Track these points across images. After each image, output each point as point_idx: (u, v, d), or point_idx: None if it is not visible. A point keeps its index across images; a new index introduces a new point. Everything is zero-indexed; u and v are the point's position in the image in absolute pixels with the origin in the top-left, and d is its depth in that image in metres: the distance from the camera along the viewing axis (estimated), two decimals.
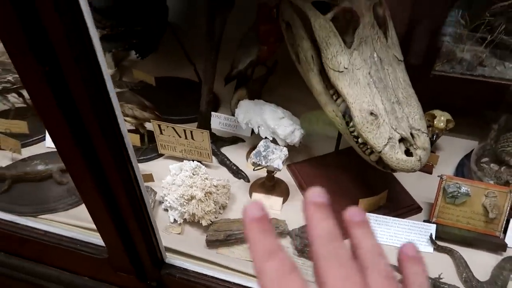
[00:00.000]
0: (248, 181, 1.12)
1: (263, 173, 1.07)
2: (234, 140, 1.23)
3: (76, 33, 0.47)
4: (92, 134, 0.58)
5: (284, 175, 1.12)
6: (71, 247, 0.93)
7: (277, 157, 0.97)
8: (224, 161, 1.15)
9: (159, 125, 1.09)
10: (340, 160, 1.12)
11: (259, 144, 0.99)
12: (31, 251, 0.99)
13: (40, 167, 1.08)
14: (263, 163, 0.97)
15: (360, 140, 0.84)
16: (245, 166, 1.16)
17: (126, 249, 0.80)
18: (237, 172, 1.13)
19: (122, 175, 0.65)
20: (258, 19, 1.10)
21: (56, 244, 0.94)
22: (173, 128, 1.08)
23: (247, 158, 1.19)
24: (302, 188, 1.09)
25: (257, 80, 1.26)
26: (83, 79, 0.51)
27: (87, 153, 0.61)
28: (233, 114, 1.25)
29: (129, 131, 1.15)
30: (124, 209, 0.71)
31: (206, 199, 0.96)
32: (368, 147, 0.83)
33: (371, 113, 0.81)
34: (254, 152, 0.98)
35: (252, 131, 1.18)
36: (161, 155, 1.18)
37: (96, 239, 0.94)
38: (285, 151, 0.98)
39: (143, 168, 1.14)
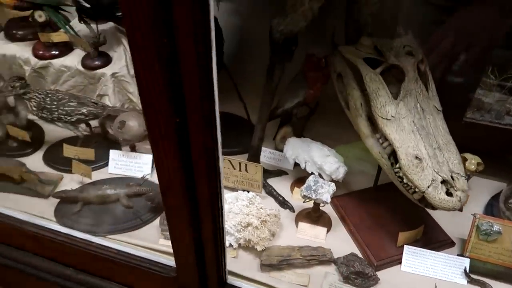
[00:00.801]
0: (294, 211, 1.23)
1: (306, 204, 1.18)
2: (279, 172, 1.34)
3: (206, 94, 0.60)
4: (198, 173, 0.70)
5: (326, 207, 1.23)
6: (141, 265, 1.04)
7: (326, 192, 1.08)
8: (271, 192, 1.27)
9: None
10: (378, 195, 1.23)
11: (309, 179, 1.11)
12: (102, 268, 1.10)
13: (109, 192, 1.20)
14: (313, 197, 1.09)
15: (405, 180, 0.95)
16: (290, 197, 1.27)
17: (198, 270, 0.91)
18: (283, 203, 1.24)
19: (213, 206, 0.76)
20: (307, 66, 1.24)
21: (127, 262, 1.05)
22: (229, 161, 1.20)
23: (291, 190, 1.30)
24: (344, 220, 1.19)
25: (301, 119, 1.38)
26: (203, 133, 0.64)
27: (189, 187, 0.73)
28: (276, 148, 1.37)
29: None
30: (207, 234, 0.82)
31: (262, 226, 1.07)
32: (412, 187, 0.94)
33: (416, 157, 0.93)
34: (304, 186, 1.10)
35: (295, 164, 1.30)
36: None
37: (163, 259, 1.05)
38: (333, 186, 1.09)
39: None
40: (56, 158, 1.37)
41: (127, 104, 1.40)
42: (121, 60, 1.36)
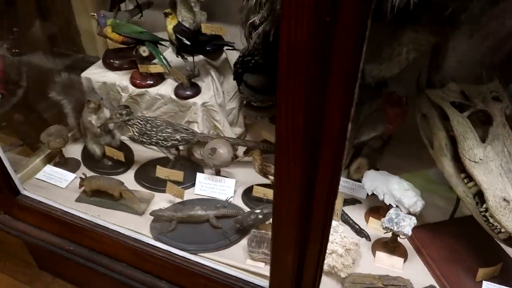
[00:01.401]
0: (370, 240, 1.29)
1: (380, 233, 1.25)
2: (353, 201, 1.42)
3: (342, 147, 0.69)
4: (317, 209, 0.79)
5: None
6: (234, 284, 1.14)
7: (407, 225, 1.15)
8: (348, 220, 1.34)
9: None
10: (455, 228, 1.28)
11: (391, 212, 1.18)
12: (196, 284, 1.20)
13: (200, 212, 1.31)
14: (395, 229, 1.15)
15: (491, 221, 1.00)
16: (365, 226, 1.34)
17: None
18: (359, 231, 1.31)
19: (323, 235, 0.85)
20: (387, 102, 1.32)
21: (221, 280, 1.15)
22: None
23: (365, 219, 1.37)
24: (420, 251, 1.25)
25: (376, 151, 1.46)
26: (331, 179, 0.73)
27: (304, 218, 0.82)
28: (348, 177, 1.45)
29: (267, 186, 1.38)
30: (311, 260, 0.91)
31: (346, 254, 1.15)
32: (499, 227, 0.99)
33: (504, 199, 0.98)
34: (386, 218, 1.17)
35: (367, 194, 1.37)
36: None
37: (254, 279, 1.15)
38: (414, 220, 1.16)
39: None
40: (146, 178, 1.51)
41: (212, 130, 1.52)
42: (209, 90, 1.49)
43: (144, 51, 1.40)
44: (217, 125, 1.49)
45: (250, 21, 1.02)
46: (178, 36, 1.33)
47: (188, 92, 1.45)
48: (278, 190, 0.82)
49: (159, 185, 1.47)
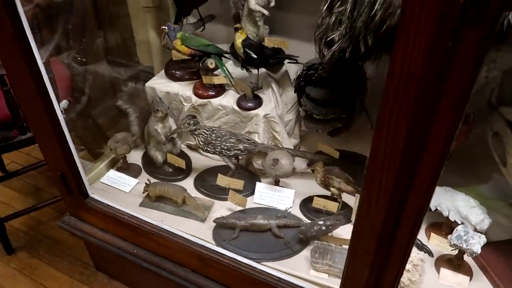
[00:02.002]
0: (432, 256, 1.29)
1: (443, 249, 1.24)
2: None
3: (439, 169, 0.71)
4: (403, 227, 0.81)
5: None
6: None
7: (477, 243, 1.14)
8: None
9: None
10: None
11: (459, 229, 1.17)
12: None
13: (263, 221, 1.34)
14: (464, 246, 1.15)
15: None
16: (426, 241, 1.34)
17: None
18: (421, 247, 1.31)
19: (404, 254, 0.86)
20: None
21: None
22: None
23: (426, 234, 1.36)
24: (485, 270, 1.24)
25: None
26: (424, 198, 0.74)
27: (387, 234, 0.84)
28: None
29: (326, 197, 1.40)
30: (389, 278, 0.92)
31: (413, 270, 1.15)
32: None
33: None
34: (455, 235, 1.16)
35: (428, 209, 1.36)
36: (349, 222, 1.40)
37: None
38: (483, 238, 1.15)
39: (338, 232, 1.35)
40: (206, 185, 1.55)
41: (271, 141, 1.55)
42: (270, 102, 1.52)
43: (211, 63, 1.45)
44: (277, 136, 1.52)
45: (329, 38, 1.05)
46: (246, 50, 1.37)
47: (250, 104, 1.49)
48: (365, 206, 0.83)
49: (218, 193, 1.51)
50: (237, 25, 1.37)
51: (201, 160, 1.67)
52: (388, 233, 0.84)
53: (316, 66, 1.40)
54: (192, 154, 1.71)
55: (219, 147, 1.42)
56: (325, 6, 1.05)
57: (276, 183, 1.49)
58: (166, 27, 1.43)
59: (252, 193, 1.52)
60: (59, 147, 1.30)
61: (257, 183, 1.50)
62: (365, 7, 0.94)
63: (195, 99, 1.57)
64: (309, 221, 1.39)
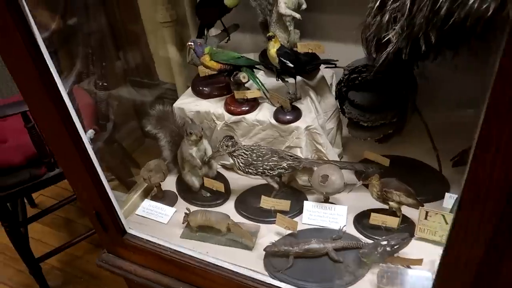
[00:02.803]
0: None
1: None
2: None
3: None
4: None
5: None
6: None
7: None
8: None
9: (426, 212, 1.18)
10: None
11: None
12: None
13: (318, 245, 1.21)
14: None
15: None
16: None
17: None
18: None
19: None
20: None
21: None
22: (442, 215, 1.16)
23: None
24: None
25: None
26: None
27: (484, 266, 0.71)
28: None
29: (383, 211, 1.27)
30: None
31: None
32: None
33: None
34: None
35: None
36: (412, 237, 1.26)
37: None
38: None
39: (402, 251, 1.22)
40: (248, 208, 1.43)
41: (314, 154, 1.42)
42: (310, 112, 1.40)
43: (243, 77, 1.34)
44: (321, 148, 1.40)
45: (384, 39, 0.93)
46: (282, 59, 1.26)
47: (289, 116, 1.37)
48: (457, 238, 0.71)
49: (262, 216, 1.40)
50: (270, 34, 1.25)
51: (239, 180, 1.56)
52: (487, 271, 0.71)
53: (360, 69, 1.27)
54: (228, 174, 1.60)
55: (261, 168, 1.31)
56: (377, 4, 0.93)
57: (326, 200, 1.37)
58: (192, 43, 1.32)
59: (300, 212, 1.40)
60: (91, 183, 1.20)
61: (305, 202, 1.38)
62: (428, 0, 0.82)
63: (228, 116, 1.46)
64: (367, 240, 1.27)
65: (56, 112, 1.06)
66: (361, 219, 1.33)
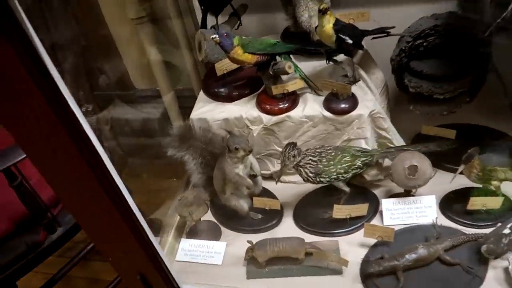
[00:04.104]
0: None
1: None
2: None
3: None
4: None
5: None
6: None
7: None
8: None
9: None
10: None
11: None
12: None
13: (427, 251, 1.00)
14: None
15: None
16: None
17: None
18: None
19: None
20: None
21: None
22: None
23: None
24: None
25: None
26: None
27: None
28: None
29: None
30: None
31: None
32: None
33: None
34: None
35: None
36: None
37: None
38: None
39: None
40: (313, 222, 1.19)
41: (376, 142, 1.20)
42: (366, 94, 1.17)
43: (289, 67, 1.07)
44: (385, 134, 1.18)
45: None
46: (341, 36, 1.00)
47: (344, 105, 1.13)
48: None
49: (333, 227, 1.16)
50: (323, 6, 0.98)
51: (284, 190, 1.31)
52: None
53: (427, 33, 1.05)
54: (269, 185, 1.33)
55: (334, 173, 1.06)
56: None
57: (407, 193, 1.16)
58: (216, 36, 1.02)
59: (375, 213, 1.18)
60: (134, 240, 0.89)
61: (383, 200, 1.16)
62: None
63: (267, 118, 1.19)
64: (470, 230, 1.08)
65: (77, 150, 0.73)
66: (448, 205, 1.15)
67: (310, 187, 1.30)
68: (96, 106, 1.32)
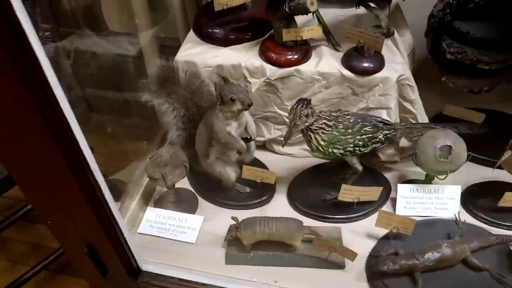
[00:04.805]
0: None
1: None
2: None
3: None
4: None
5: None
6: None
7: None
8: None
9: None
10: None
11: None
12: None
13: (450, 251, 0.82)
14: None
15: None
16: None
17: None
18: None
19: None
20: None
21: None
22: None
23: None
24: None
25: None
26: None
27: None
28: None
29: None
30: None
31: None
32: None
33: None
34: None
35: None
36: None
37: None
38: None
39: None
40: (311, 203, 0.98)
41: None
42: (395, 55, 0.96)
43: (312, 3, 0.83)
44: (409, 107, 0.98)
45: None
46: None
47: (369, 64, 0.92)
48: None
49: (335, 211, 0.96)
50: None
51: (278, 162, 1.09)
52: None
53: None
54: (256, 154, 1.11)
55: (351, 145, 0.85)
56: None
57: (429, 179, 0.97)
58: None
59: (385, 200, 0.99)
60: (80, 194, 0.65)
61: (399, 185, 0.97)
62: None
63: (271, 70, 0.96)
64: (496, 230, 0.91)
65: None
66: (472, 199, 0.97)
67: (309, 161, 1.09)
68: (57, 33, 1.05)
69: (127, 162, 1.15)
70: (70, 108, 0.55)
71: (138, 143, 1.27)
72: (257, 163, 1.05)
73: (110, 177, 1.08)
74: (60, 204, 0.66)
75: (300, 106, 0.78)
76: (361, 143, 0.85)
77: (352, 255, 0.82)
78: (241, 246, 0.89)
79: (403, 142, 1.04)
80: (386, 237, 0.91)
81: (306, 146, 1.08)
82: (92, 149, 0.61)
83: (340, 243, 0.88)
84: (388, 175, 1.05)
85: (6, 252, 1.55)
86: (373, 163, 1.04)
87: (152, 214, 0.97)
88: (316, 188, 1.01)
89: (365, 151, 0.88)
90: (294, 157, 1.11)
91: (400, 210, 0.96)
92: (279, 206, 1.00)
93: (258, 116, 1.06)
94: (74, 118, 0.56)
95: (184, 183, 1.05)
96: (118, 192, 1.01)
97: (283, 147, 0.81)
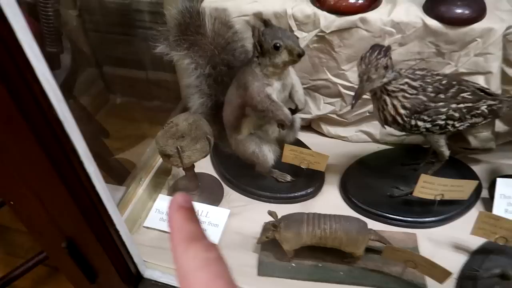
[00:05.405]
0: None
1: None
2: None
3: None
4: None
5: None
6: None
7: None
8: None
9: None
10: None
11: None
12: None
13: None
14: None
15: None
16: None
17: None
18: None
19: None
20: None
21: None
22: None
23: None
24: None
25: None
26: None
27: None
28: None
29: None
30: None
31: None
32: None
33: None
34: None
35: None
36: None
37: None
38: None
39: None
40: (369, 197, 0.74)
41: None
42: (500, 1, 0.70)
43: None
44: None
45: None
46: None
47: (464, 10, 0.66)
48: None
49: (401, 212, 0.71)
50: None
51: (324, 146, 0.84)
52: None
53: None
54: (302, 136, 0.86)
55: (443, 116, 0.60)
56: None
57: None
58: None
59: (475, 199, 0.73)
60: (51, 171, 0.43)
61: (499, 179, 0.70)
62: None
63: (327, 18, 0.72)
64: None
65: None
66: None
67: (366, 147, 0.85)
68: None
69: (138, 138, 0.94)
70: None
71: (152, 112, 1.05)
72: (300, 146, 0.81)
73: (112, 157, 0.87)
74: (20, 176, 0.44)
75: (377, 54, 0.54)
76: (457, 114, 0.60)
77: (443, 275, 0.57)
78: (280, 252, 0.65)
79: (498, 126, 0.78)
80: (483, 251, 0.65)
81: (363, 127, 0.85)
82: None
83: (423, 256, 0.63)
84: (475, 168, 0.79)
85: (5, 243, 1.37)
86: (457, 150, 0.79)
87: (164, 203, 0.75)
88: (379, 180, 0.76)
89: (460, 128, 0.62)
90: (348, 141, 0.87)
91: (497, 210, 0.69)
92: (329, 202, 0.76)
93: (304, 86, 0.82)
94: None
95: (206, 166, 0.83)
96: (123, 176, 0.79)
97: (352, 108, 0.57)
